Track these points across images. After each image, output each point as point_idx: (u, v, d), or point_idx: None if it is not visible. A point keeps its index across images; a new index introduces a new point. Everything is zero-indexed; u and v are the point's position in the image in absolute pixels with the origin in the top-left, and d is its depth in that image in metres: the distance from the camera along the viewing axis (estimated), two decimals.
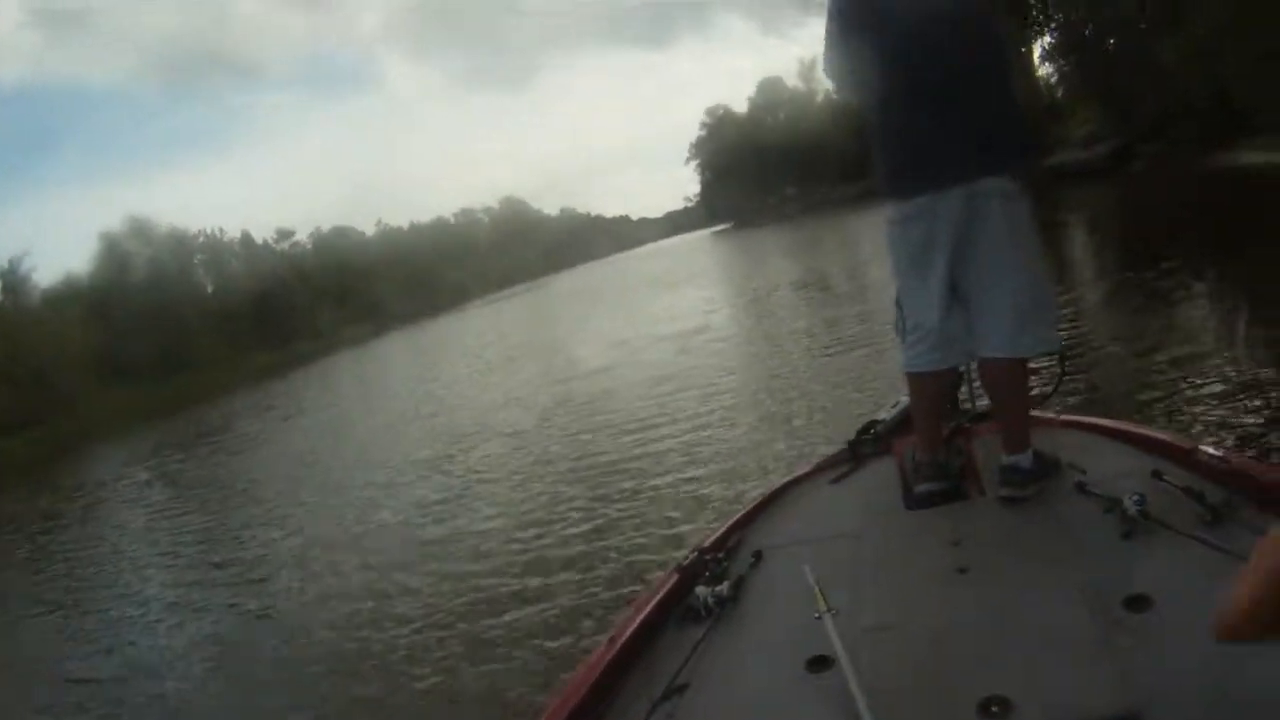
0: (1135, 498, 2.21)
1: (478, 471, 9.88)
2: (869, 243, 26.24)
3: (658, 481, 7.44)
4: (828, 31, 2.88)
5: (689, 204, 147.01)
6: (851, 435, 3.34)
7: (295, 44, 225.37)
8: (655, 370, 12.39)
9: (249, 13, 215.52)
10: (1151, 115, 26.52)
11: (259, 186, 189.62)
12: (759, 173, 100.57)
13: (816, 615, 2.05)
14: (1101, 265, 13.05)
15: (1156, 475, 2.37)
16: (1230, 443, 4.71)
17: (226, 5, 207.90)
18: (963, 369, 3.13)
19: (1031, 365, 2.93)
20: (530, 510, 7.68)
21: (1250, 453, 3.68)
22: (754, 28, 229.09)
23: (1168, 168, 23.52)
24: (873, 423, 3.38)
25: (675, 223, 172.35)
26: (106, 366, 62.87)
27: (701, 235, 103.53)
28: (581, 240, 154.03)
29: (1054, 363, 3.58)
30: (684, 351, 13.50)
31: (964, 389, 3.34)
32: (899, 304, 2.90)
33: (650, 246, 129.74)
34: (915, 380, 2.91)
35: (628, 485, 7.54)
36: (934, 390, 2.92)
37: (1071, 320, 9.16)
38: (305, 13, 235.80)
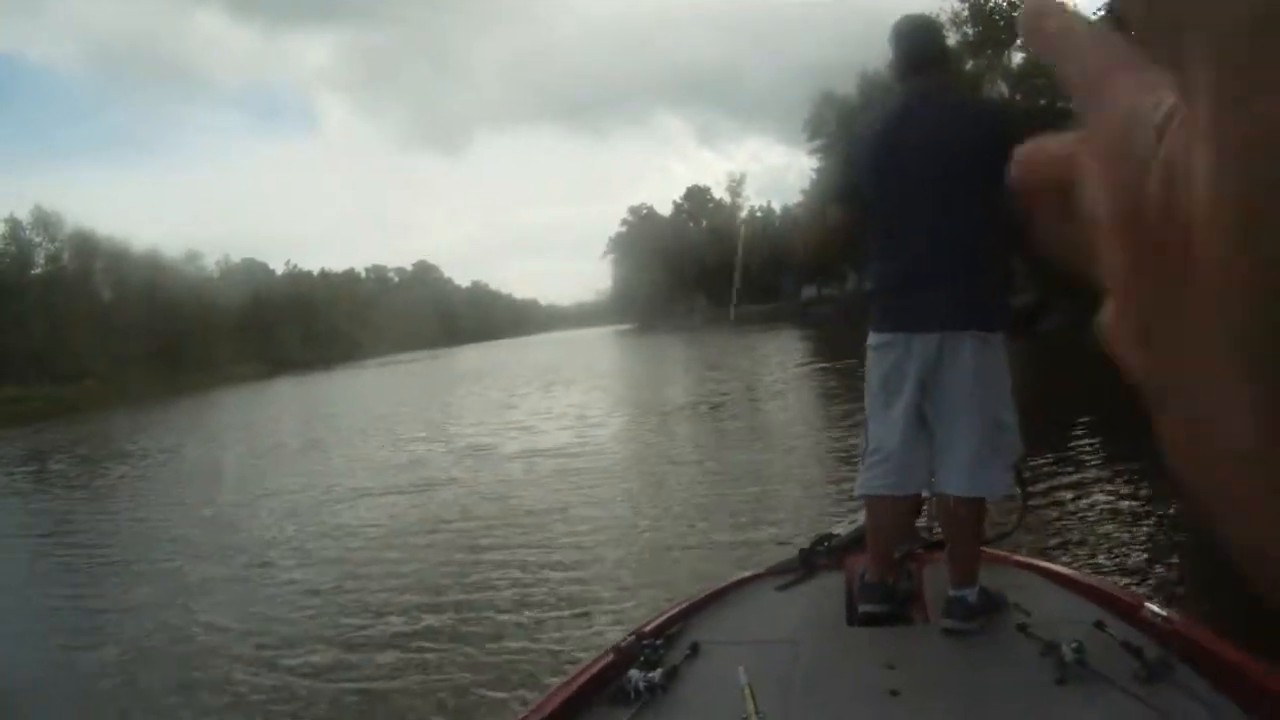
0: (1074, 645, 2.20)
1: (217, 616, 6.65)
2: (775, 371, 24.70)
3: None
4: (839, 172, 3.07)
5: (599, 298, 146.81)
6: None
7: (241, 67, 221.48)
8: (501, 502, 9.62)
9: (202, 24, 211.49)
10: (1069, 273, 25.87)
11: (175, 201, 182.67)
12: (672, 278, 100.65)
13: (744, 717, 2.09)
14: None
15: (1099, 625, 2.35)
16: (1174, 602, 4.27)
17: (183, 12, 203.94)
18: (925, 495, 3.00)
19: (994, 503, 2.91)
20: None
21: (1193, 615, 2.92)
22: (691, 136, 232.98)
23: (1082, 329, 22.63)
24: (828, 535, 3.33)
25: (583, 314, 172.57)
26: None
27: (606, 331, 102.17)
28: (487, 317, 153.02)
29: (1017, 502, 3.38)
30: (535, 481, 10.70)
31: (924, 514, 3.23)
32: (866, 424, 2.91)
33: (554, 334, 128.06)
34: (871, 503, 2.89)
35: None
36: (890, 515, 2.86)
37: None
38: (257, 37, 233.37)
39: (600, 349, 56.89)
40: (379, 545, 8.52)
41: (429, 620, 6.04)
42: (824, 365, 23.26)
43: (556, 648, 5.29)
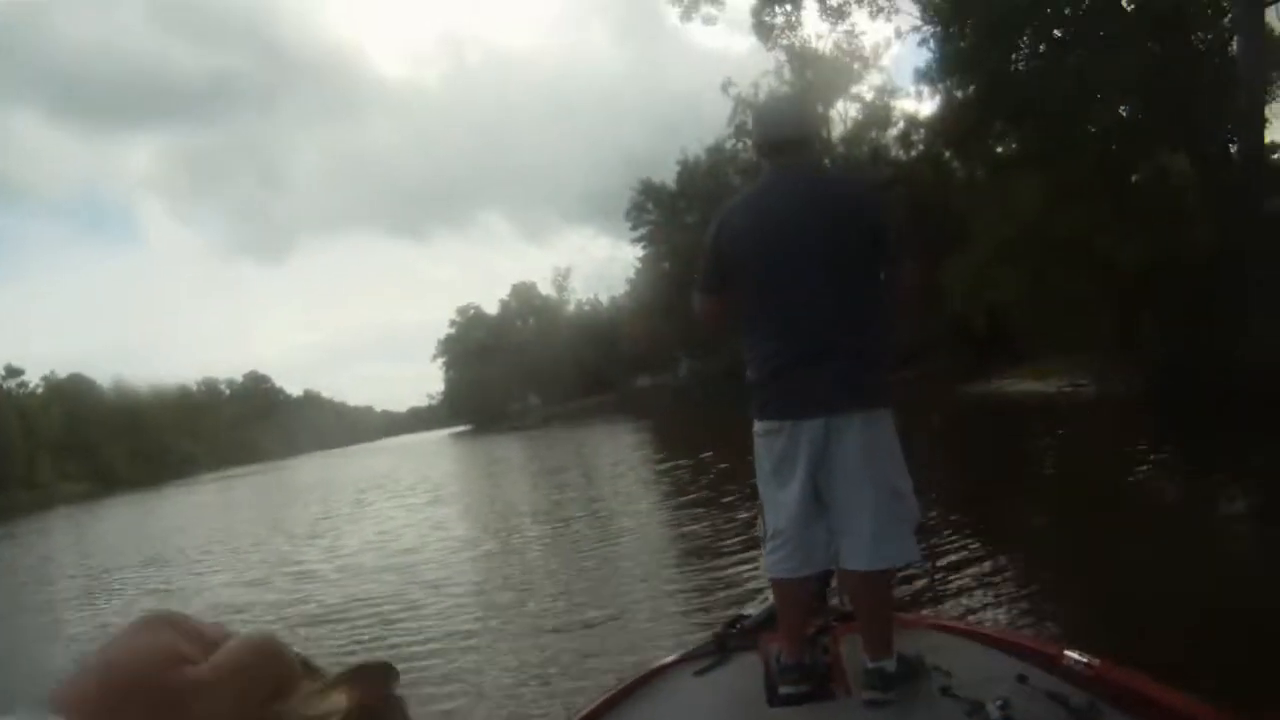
0: (999, 702, 2.12)
1: None
2: (619, 471, 23.27)
3: None
4: (706, 257, 2.84)
5: (432, 401, 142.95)
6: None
7: (61, 172, 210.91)
8: None
9: (19, 127, 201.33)
10: (916, 339, 26.33)
11: None
12: (503, 377, 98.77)
13: None
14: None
15: (1022, 679, 2.26)
16: (1095, 648, 3.32)
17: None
18: (833, 568, 2.84)
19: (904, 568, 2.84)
20: None
21: (1114, 658, 2.53)
22: (515, 231, 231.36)
23: (928, 393, 22.11)
24: (740, 616, 3.21)
25: (418, 419, 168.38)
26: None
27: (441, 435, 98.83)
28: (322, 427, 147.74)
29: (925, 566, 3.19)
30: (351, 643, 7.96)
31: (834, 588, 3.07)
32: (762, 509, 2.83)
33: (389, 441, 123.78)
34: (777, 585, 2.79)
35: None
36: (797, 595, 2.78)
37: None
38: (77, 140, 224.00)
39: (440, 454, 53.94)
40: None
41: None
42: (669, 460, 22.12)
43: None
